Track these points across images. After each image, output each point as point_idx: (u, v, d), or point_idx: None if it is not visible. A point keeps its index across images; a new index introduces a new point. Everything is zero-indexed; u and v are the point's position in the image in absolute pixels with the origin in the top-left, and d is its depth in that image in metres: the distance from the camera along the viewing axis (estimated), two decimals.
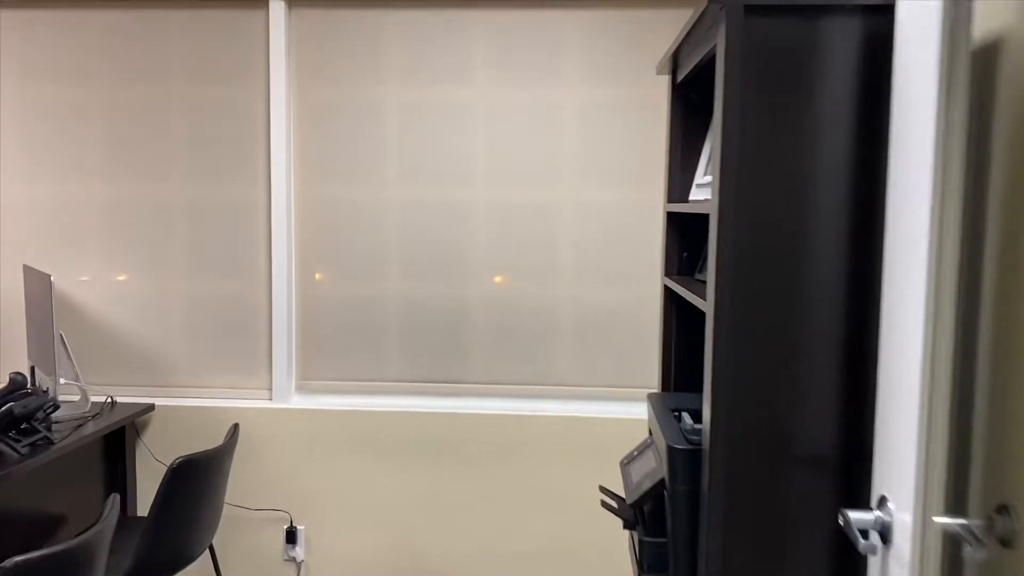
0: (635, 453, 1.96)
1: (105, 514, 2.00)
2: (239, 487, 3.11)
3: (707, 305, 1.49)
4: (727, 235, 1.41)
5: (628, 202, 3.01)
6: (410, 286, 3.09)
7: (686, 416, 1.84)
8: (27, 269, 2.98)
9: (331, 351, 3.13)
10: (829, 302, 1.43)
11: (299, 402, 3.14)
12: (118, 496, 2.09)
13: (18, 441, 2.55)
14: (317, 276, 3.10)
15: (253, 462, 3.10)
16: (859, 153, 1.39)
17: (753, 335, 1.44)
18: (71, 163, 3.12)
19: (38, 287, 2.83)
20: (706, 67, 2.03)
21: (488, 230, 3.05)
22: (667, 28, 2.95)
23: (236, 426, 2.73)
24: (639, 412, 3.02)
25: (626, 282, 3.03)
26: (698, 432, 1.71)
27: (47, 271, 3.14)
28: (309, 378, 3.16)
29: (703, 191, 2.00)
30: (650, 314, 3.04)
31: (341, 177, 3.08)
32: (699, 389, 2.17)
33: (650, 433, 2.03)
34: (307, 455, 3.09)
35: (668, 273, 2.14)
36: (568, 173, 3.02)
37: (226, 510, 3.12)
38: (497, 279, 3.07)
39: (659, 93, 2.97)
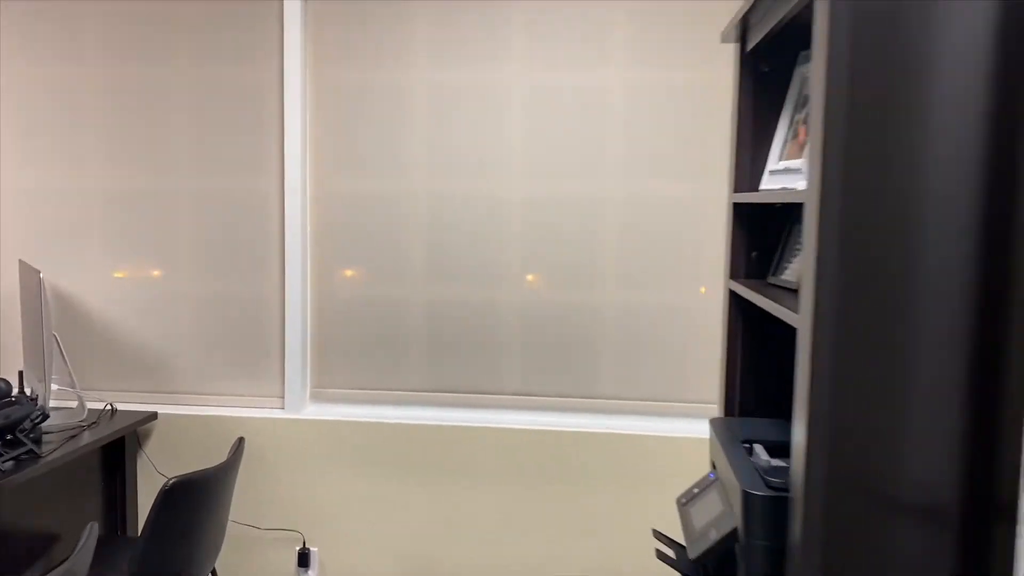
0: (695, 491, 1.65)
1: (79, 547, 1.74)
2: (247, 504, 2.85)
3: (799, 317, 1.18)
4: (830, 232, 1.10)
5: (680, 195, 2.69)
6: (436, 287, 2.80)
7: (759, 450, 1.53)
8: (22, 264, 2.74)
9: (348, 357, 2.86)
10: (956, 317, 1.12)
11: (313, 412, 2.87)
12: (95, 524, 1.83)
13: (8, 452, 2.31)
14: (347, 272, 2.83)
15: (262, 477, 2.83)
16: (993, 140, 1.07)
17: (859, 355, 1.13)
18: (69, 151, 2.88)
19: (30, 284, 2.59)
20: (782, 33, 1.71)
21: (523, 226, 2.76)
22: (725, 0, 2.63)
23: (241, 441, 2.47)
24: (690, 430, 2.70)
25: (677, 284, 2.72)
26: (779, 472, 1.39)
27: (43, 266, 2.90)
28: (324, 386, 2.88)
29: (779, 178, 1.69)
30: (703, 320, 2.72)
31: (361, 168, 2.80)
32: (770, 413, 1.85)
33: (713, 466, 1.72)
34: (321, 470, 2.82)
35: (734, 275, 1.83)
36: (612, 163, 2.71)
37: (233, 529, 2.86)
38: (532, 280, 2.77)
39: (716, 73, 2.65)
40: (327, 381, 2.88)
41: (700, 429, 2.71)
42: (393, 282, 2.82)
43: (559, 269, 2.75)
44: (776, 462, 1.49)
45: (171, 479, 2.12)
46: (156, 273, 2.89)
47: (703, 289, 2.71)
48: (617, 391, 2.76)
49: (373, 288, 2.83)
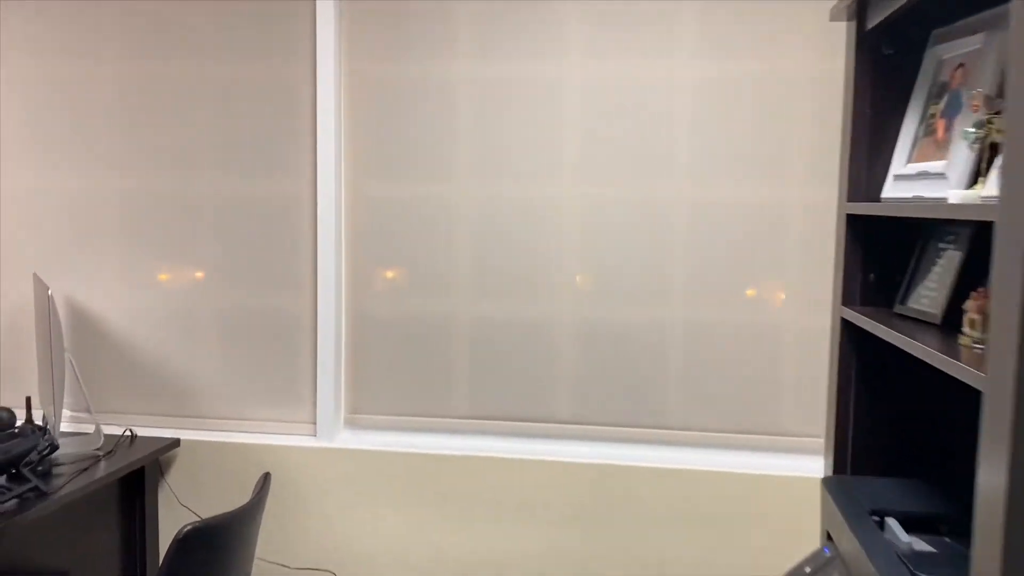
0: (807, 571, 1.34)
1: None
2: (276, 540, 2.60)
3: (987, 379, 0.87)
4: None
5: (757, 199, 2.38)
6: (483, 303, 2.52)
7: (894, 526, 1.22)
8: (36, 279, 2.52)
9: (386, 379, 2.59)
10: None
11: (347, 440, 2.60)
12: None
13: (9, 490, 2.08)
14: (384, 286, 2.56)
15: (293, 511, 2.58)
16: None
17: None
18: (84, 154, 2.65)
19: (41, 300, 2.37)
20: (911, 9, 1.40)
21: (580, 235, 2.47)
22: None
23: (266, 478, 2.22)
24: (774, 466, 2.38)
25: (754, 300, 2.40)
26: (928, 562, 1.09)
27: (58, 278, 2.68)
28: (360, 411, 2.62)
29: (909, 185, 1.37)
30: (786, 342, 2.40)
31: (401, 171, 2.53)
32: (888, 468, 1.53)
33: (828, 538, 1.41)
34: (356, 503, 2.56)
35: (847, 301, 1.52)
36: (680, 164, 2.41)
37: (260, 568, 2.61)
38: (590, 294, 2.48)
39: (800, 64, 2.33)
40: (363, 406, 2.61)
41: (785, 465, 2.40)
42: (435, 297, 2.54)
43: (620, 282, 2.45)
44: (919, 544, 1.19)
45: (186, 526, 1.87)
46: (177, 286, 2.65)
47: (781, 297, 2.39)
48: (686, 420, 2.46)
49: (413, 303, 2.56)
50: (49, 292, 2.20)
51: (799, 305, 2.39)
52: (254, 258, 2.62)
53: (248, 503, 2.07)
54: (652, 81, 2.40)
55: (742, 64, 2.35)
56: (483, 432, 2.56)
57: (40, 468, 2.21)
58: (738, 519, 2.38)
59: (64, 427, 2.67)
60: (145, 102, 2.62)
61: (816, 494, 2.37)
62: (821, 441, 2.39)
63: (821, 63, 2.32)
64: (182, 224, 2.64)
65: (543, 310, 2.50)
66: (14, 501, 2.05)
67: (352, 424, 2.63)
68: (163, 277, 2.65)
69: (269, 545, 2.60)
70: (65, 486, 2.19)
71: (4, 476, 2.13)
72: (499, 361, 2.53)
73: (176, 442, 2.61)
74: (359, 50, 2.52)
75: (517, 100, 2.46)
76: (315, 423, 2.63)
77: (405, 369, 2.57)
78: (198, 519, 1.93)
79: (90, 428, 2.62)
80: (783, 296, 2.39)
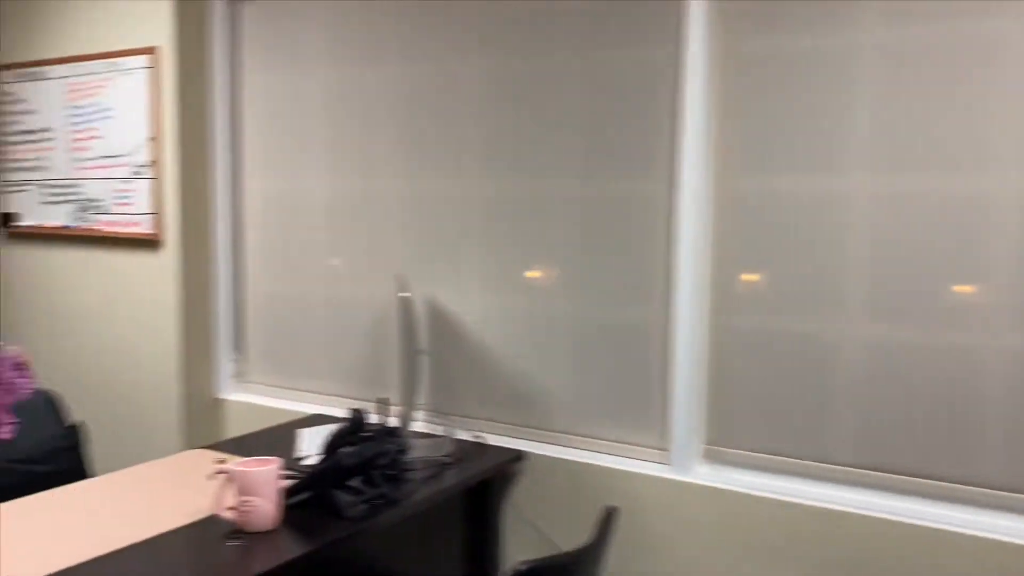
0: None
1: None
2: None
3: None
4: None
5: None
6: (880, 326, 2.02)
7: None
8: (398, 280, 2.54)
9: (754, 409, 2.20)
10: None
11: (705, 475, 2.26)
12: None
13: (360, 493, 2.06)
14: (755, 299, 2.19)
15: (639, 548, 2.30)
16: None
17: None
18: (450, 156, 2.61)
19: (401, 301, 2.36)
20: None
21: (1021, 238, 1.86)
22: None
23: (613, 512, 1.95)
24: None
25: None
26: None
27: (419, 282, 2.68)
28: (721, 444, 2.26)
29: None
30: None
31: (780, 161, 2.12)
32: None
33: None
34: (711, 551, 2.20)
35: None
36: None
37: None
38: None
39: None
40: (724, 437, 2.25)
41: None
42: (817, 313, 2.09)
43: None
44: None
45: (521, 565, 1.67)
46: (530, 291, 2.50)
47: None
48: None
49: (789, 320, 2.13)
50: (407, 294, 2.15)
51: None
52: (605, 264, 2.38)
53: (592, 542, 1.83)
54: None
55: None
56: (874, 486, 2.06)
57: (391, 472, 2.18)
58: None
59: (415, 427, 2.67)
60: (506, 103, 2.50)
61: None
62: None
63: None
64: (537, 228, 2.48)
65: (965, 338, 1.93)
66: (365, 506, 2.02)
67: (712, 457, 2.28)
68: (517, 282, 2.52)
69: None
70: (415, 493, 2.12)
71: (358, 478, 2.12)
72: (899, 399, 2.01)
73: (522, 454, 2.47)
74: (735, 21, 2.16)
75: (939, 66, 1.92)
76: (667, 450, 2.32)
77: (777, 399, 2.16)
78: (539, 538, 1.72)
79: (439, 431, 2.58)
80: None
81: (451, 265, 2.62)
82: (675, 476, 2.26)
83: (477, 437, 2.52)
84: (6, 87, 3.36)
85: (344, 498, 1.98)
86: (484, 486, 2.47)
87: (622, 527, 2.32)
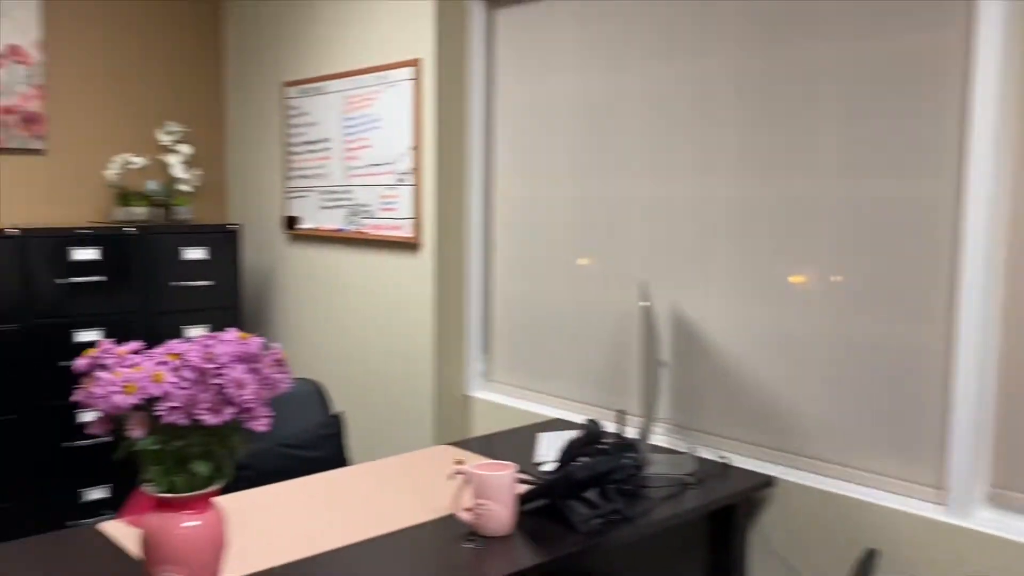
0: None
1: None
2: None
3: None
4: None
5: None
6: None
7: None
8: (640, 288, 2.46)
9: None
10: None
11: (989, 522, 1.95)
12: None
13: (595, 507, 2.01)
14: None
15: None
16: None
17: None
18: (694, 160, 2.49)
19: (642, 310, 2.28)
20: None
21: None
22: None
23: (875, 554, 1.74)
24: None
25: None
26: None
27: (662, 290, 2.58)
28: (1010, 487, 1.94)
29: None
30: None
31: None
32: None
33: None
34: None
35: None
36: None
37: None
38: None
39: None
40: (1015, 480, 1.93)
41: None
42: None
43: None
44: None
45: None
46: (785, 303, 2.32)
47: None
48: None
49: None
50: (648, 303, 2.08)
51: None
52: (873, 274, 2.14)
53: None
54: None
55: None
56: None
57: (627, 487, 2.11)
58: None
59: (654, 442, 2.57)
60: (759, 99, 2.34)
61: None
62: None
63: None
64: (792, 234, 2.29)
65: None
66: (599, 521, 1.97)
67: (997, 502, 1.97)
68: (769, 291, 2.35)
69: None
70: (652, 511, 2.04)
71: (594, 491, 2.07)
72: None
73: (771, 480, 2.29)
74: None
75: None
76: (942, 489, 2.04)
77: None
78: (788, 573, 1.57)
79: (681, 447, 2.47)
80: None
81: (697, 271, 2.50)
82: (951, 520, 1.98)
83: (723, 458, 2.38)
84: (292, 101, 3.72)
85: (579, 511, 1.94)
86: (728, 511, 2.32)
87: (883, 571, 2.07)
